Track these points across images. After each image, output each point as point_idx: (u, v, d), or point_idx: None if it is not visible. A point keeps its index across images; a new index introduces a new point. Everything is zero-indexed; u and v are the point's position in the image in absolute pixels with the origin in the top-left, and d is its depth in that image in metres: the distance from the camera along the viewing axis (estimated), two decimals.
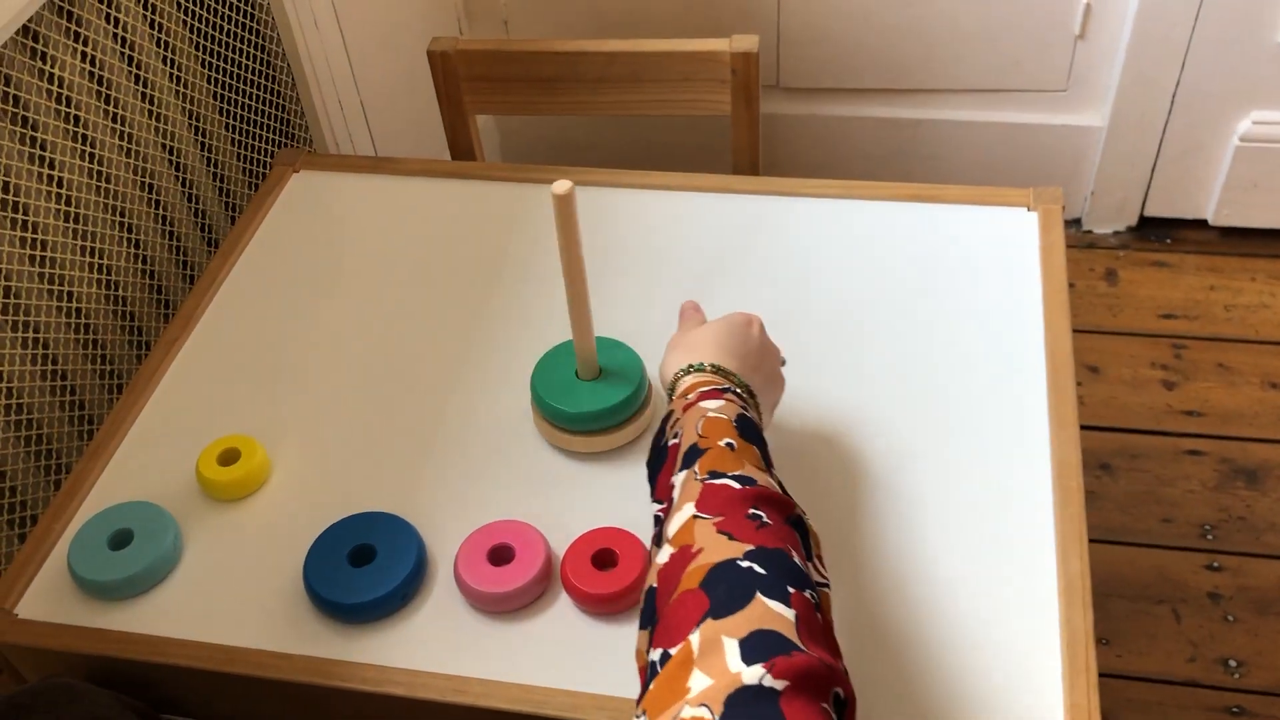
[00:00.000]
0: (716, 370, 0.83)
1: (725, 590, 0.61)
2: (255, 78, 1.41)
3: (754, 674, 0.55)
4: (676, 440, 0.76)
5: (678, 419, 0.78)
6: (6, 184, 1.06)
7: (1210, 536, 1.57)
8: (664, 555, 0.67)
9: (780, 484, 0.74)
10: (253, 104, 1.41)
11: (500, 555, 0.85)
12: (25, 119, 1.07)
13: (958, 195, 1.14)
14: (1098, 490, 1.63)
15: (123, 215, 1.21)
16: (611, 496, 0.92)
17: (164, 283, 1.28)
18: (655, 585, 0.66)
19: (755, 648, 0.57)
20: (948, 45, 1.88)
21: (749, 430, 0.76)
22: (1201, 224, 1.99)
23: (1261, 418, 1.70)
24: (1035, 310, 1.03)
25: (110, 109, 1.17)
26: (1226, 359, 1.78)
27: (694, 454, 0.73)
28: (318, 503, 0.94)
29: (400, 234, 1.17)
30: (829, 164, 2.04)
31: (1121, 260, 1.96)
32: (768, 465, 0.75)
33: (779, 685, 0.55)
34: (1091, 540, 0.86)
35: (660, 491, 0.75)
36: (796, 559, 0.65)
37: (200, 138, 1.32)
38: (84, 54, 1.13)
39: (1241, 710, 1.40)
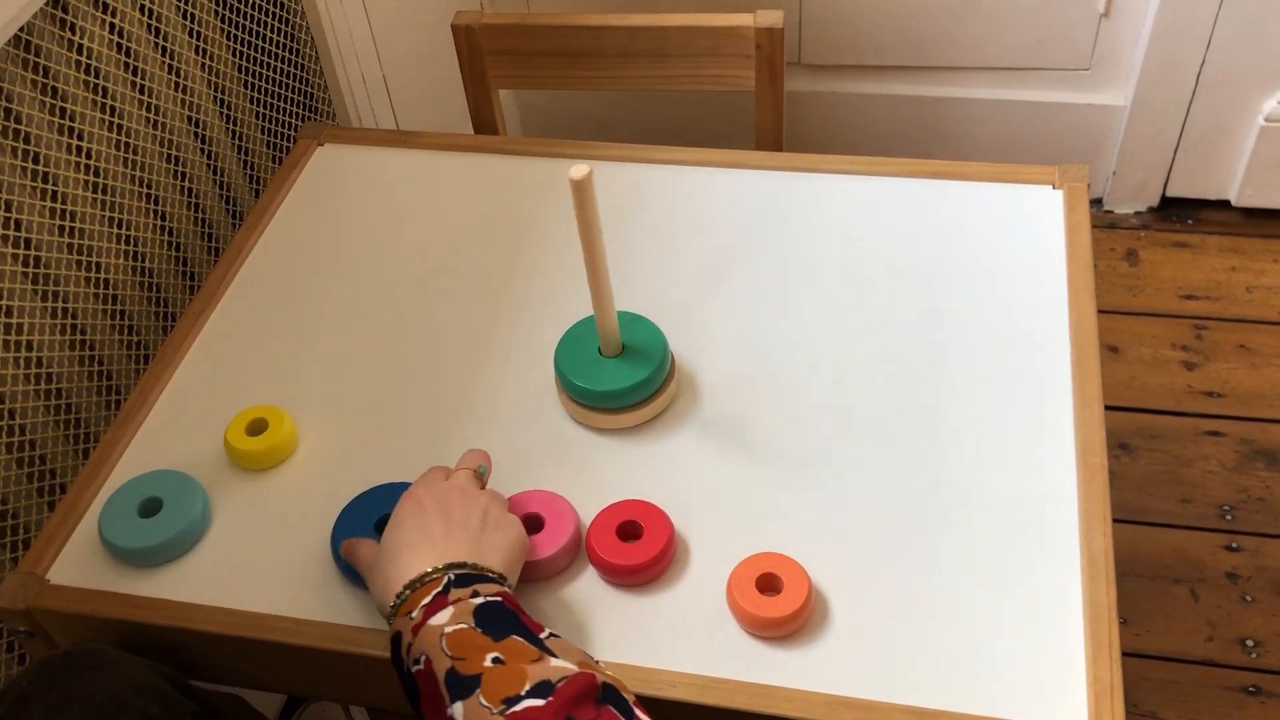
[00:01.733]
0: (418, 582, 0.75)
1: None
2: (280, 51, 1.41)
3: None
4: (421, 667, 0.70)
5: (409, 643, 0.72)
6: (35, 154, 1.06)
7: (1229, 517, 1.57)
8: None
9: (555, 649, 0.70)
10: (277, 77, 1.41)
11: (530, 524, 0.86)
12: (54, 89, 1.08)
13: (982, 172, 1.14)
14: (1117, 470, 1.63)
15: (148, 187, 1.21)
16: (635, 469, 0.93)
17: (189, 255, 1.28)
18: None
19: None
20: (971, 22, 1.87)
21: (497, 619, 0.71)
22: (1224, 204, 1.98)
23: None
24: (1060, 289, 1.02)
25: (136, 80, 1.18)
26: (1248, 340, 1.78)
27: (461, 683, 0.67)
28: (345, 472, 0.95)
29: (425, 207, 1.17)
30: (850, 142, 2.04)
31: (1143, 240, 1.96)
32: (535, 634, 0.71)
33: None
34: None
35: (432, 716, 0.69)
36: None
37: (224, 110, 1.33)
38: (111, 25, 1.14)
39: (1258, 689, 1.40)
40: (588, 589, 0.85)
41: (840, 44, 1.94)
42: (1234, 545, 1.54)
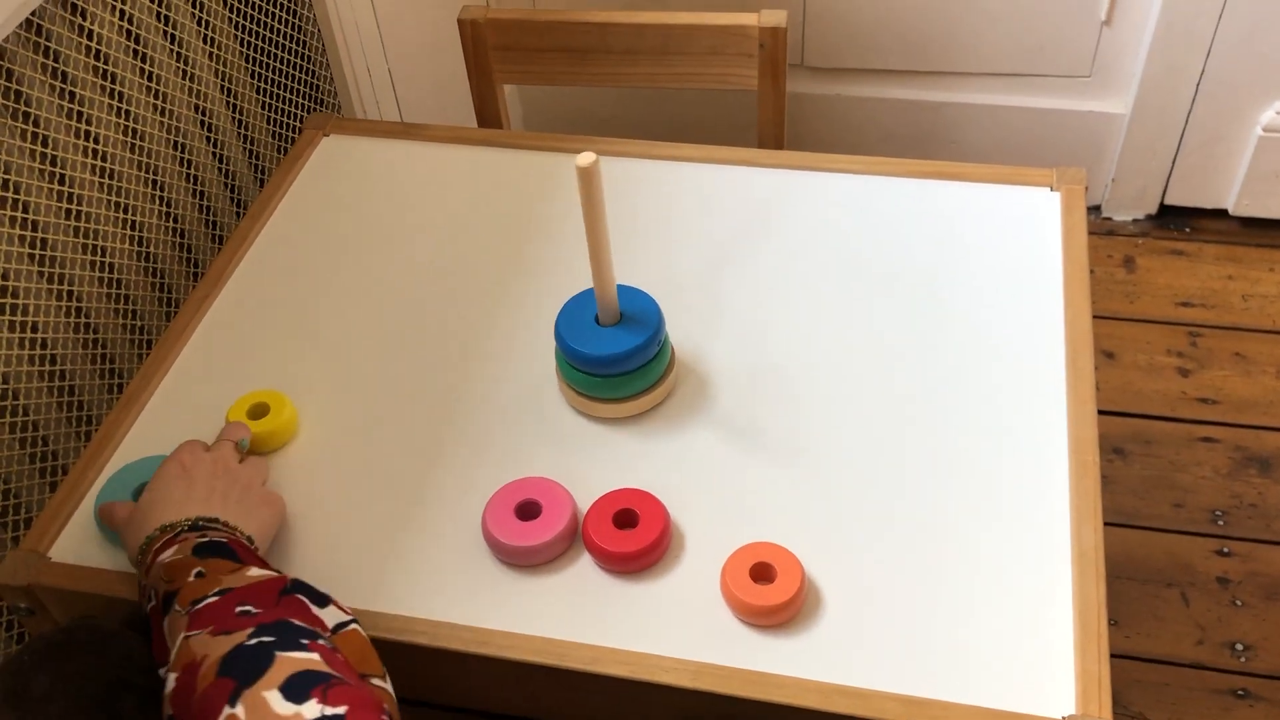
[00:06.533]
0: (162, 530, 0.80)
1: (245, 664, 0.63)
2: (286, 41, 1.42)
3: (313, 709, 0.59)
4: (153, 602, 0.75)
5: (145, 585, 0.78)
6: (43, 138, 1.07)
7: (1221, 522, 1.58)
8: (170, 683, 0.67)
9: (263, 563, 0.76)
10: (283, 68, 1.42)
11: (528, 511, 0.87)
12: (63, 74, 1.09)
13: (981, 174, 1.15)
14: (1111, 474, 1.64)
15: (154, 173, 1.22)
16: (633, 459, 0.93)
17: (193, 243, 1.29)
18: (171, 713, 0.66)
19: (297, 687, 0.61)
20: (973, 28, 1.88)
21: (214, 550, 0.76)
22: (1222, 214, 1.99)
23: (1276, 407, 1.71)
24: (1056, 289, 1.03)
25: (144, 66, 1.19)
26: (1243, 348, 1.79)
27: (169, 598, 0.73)
28: (345, 456, 0.95)
29: (428, 199, 1.18)
30: (851, 144, 2.05)
31: (1140, 248, 1.97)
32: (245, 559, 0.76)
33: (341, 710, 0.59)
34: (1103, 523, 0.88)
35: (160, 654, 0.74)
36: (302, 621, 0.68)
37: (230, 99, 1.34)
38: (121, 11, 1.15)
39: (1247, 693, 1.41)
40: (584, 576, 0.86)
41: (843, 47, 1.95)
42: (1225, 550, 1.55)
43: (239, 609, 0.69)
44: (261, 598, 0.70)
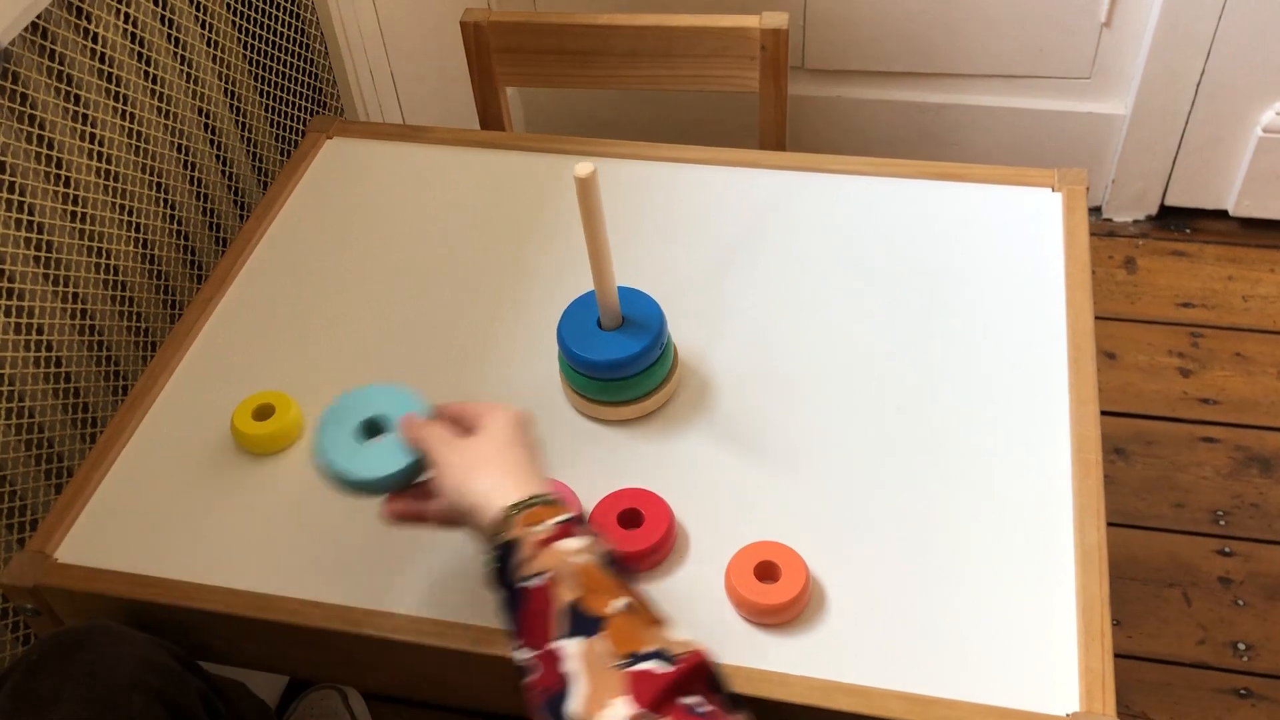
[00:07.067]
0: (546, 503, 0.73)
1: None
2: (289, 44, 1.43)
3: None
4: (538, 584, 0.69)
5: (529, 555, 0.71)
6: (52, 141, 1.07)
7: (1223, 522, 1.58)
8: None
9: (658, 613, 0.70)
10: (286, 71, 1.43)
11: None
12: (68, 77, 1.09)
13: (983, 175, 1.15)
14: (1112, 475, 1.64)
15: (158, 176, 1.23)
16: (636, 459, 0.94)
17: (196, 244, 1.30)
18: None
19: None
20: (973, 30, 1.89)
21: (618, 566, 0.71)
22: (1222, 214, 1.99)
23: (1277, 407, 1.71)
24: (1058, 289, 1.04)
25: (148, 69, 1.19)
26: (1244, 348, 1.79)
27: (584, 621, 0.67)
28: None
29: (431, 202, 1.18)
30: (852, 147, 2.05)
31: (1141, 249, 1.97)
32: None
33: None
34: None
35: (531, 637, 0.69)
36: None
37: (233, 102, 1.34)
38: (125, 14, 1.15)
39: (1249, 692, 1.42)
40: None
41: (844, 49, 1.96)
42: (1227, 550, 1.55)
43: (687, 702, 0.64)
44: (701, 687, 0.65)
